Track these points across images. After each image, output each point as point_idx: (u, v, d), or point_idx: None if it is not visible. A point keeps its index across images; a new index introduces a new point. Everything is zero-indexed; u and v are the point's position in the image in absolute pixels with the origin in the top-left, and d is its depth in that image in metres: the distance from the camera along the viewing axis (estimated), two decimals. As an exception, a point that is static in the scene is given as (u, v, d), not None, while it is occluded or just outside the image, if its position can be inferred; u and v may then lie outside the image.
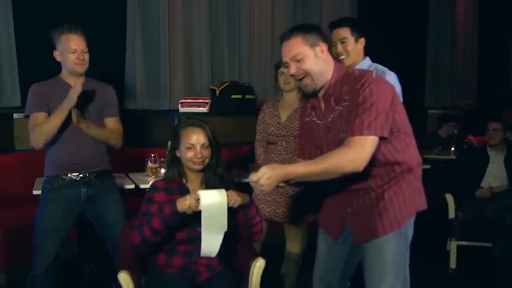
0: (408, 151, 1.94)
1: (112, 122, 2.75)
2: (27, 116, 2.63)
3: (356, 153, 1.78)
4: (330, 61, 1.95)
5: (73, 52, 2.57)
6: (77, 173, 2.64)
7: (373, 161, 1.85)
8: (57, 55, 2.62)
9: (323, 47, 1.91)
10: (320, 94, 1.97)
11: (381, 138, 1.82)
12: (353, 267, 2.17)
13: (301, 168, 1.83)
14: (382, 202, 1.93)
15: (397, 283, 1.94)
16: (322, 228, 2.18)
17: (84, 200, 2.68)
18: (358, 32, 2.59)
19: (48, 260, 2.59)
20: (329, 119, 1.94)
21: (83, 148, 2.63)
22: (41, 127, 2.54)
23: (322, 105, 1.98)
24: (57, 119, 2.51)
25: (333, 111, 1.92)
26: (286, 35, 1.92)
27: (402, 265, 1.96)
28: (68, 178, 2.64)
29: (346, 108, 1.87)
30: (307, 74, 1.90)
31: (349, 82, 1.88)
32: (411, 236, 2.00)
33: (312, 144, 2.08)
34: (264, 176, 1.73)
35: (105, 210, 2.72)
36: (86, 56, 2.62)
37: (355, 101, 1.82)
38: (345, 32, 2.57)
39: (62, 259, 2.72)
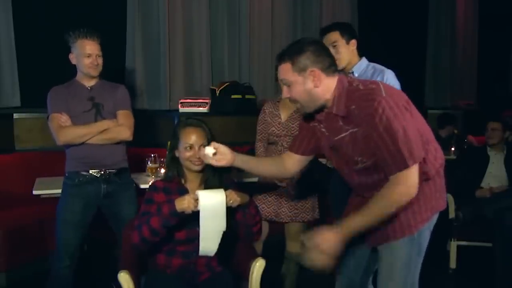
0: (427, 159, 1.85)
1: (121, 116, 2.80)
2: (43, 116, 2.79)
3: (406, 187, 1.75)
4: (326, 82, 1.82)
5: (88, 57, 2.69)
6: (97, 170, 2.73)
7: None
8: (72, 58, 2.74)
9: (315, 72, 1.79)
10: (325, 110, 1.89)
11: None
12: (377, 264, 2.13)
13: (357, 222, 1.79)
14: None
15: None
16: None
17: (103, 196, 2.77)
18: (348, 34, 2.66)
19: (69, 252, 2.70)
20: (336, 138, 1.87)
21: (102, 146, 2.71)
22: (71, 132, 2.65)
23: (328, 122, 1.90)
24: (87, 135, 2.67)
25: (342, 131, 1.85)
26: (278, 58, 1.86)
27: (412, 272, 1.93)
28: (88, 174, 2.72)
29: (360, 134, 1.79)
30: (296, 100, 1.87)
31: (355, 100, 1.78)
32: (427, 243, 1.96)
33: (311, 144, 2.06)
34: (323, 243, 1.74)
35: (121, 206, 2.81)
36: (100, 60, 2.75)
37: (376, 132, 1.72)
38: (335, 36, 2.64)
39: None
